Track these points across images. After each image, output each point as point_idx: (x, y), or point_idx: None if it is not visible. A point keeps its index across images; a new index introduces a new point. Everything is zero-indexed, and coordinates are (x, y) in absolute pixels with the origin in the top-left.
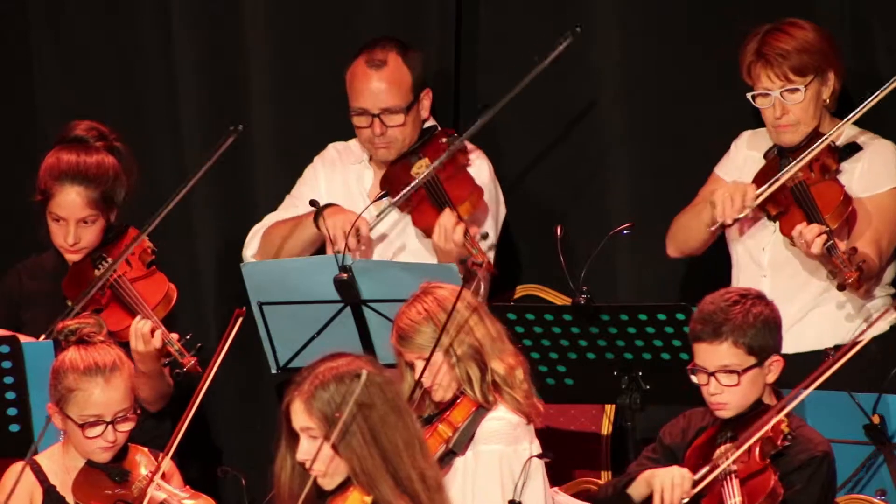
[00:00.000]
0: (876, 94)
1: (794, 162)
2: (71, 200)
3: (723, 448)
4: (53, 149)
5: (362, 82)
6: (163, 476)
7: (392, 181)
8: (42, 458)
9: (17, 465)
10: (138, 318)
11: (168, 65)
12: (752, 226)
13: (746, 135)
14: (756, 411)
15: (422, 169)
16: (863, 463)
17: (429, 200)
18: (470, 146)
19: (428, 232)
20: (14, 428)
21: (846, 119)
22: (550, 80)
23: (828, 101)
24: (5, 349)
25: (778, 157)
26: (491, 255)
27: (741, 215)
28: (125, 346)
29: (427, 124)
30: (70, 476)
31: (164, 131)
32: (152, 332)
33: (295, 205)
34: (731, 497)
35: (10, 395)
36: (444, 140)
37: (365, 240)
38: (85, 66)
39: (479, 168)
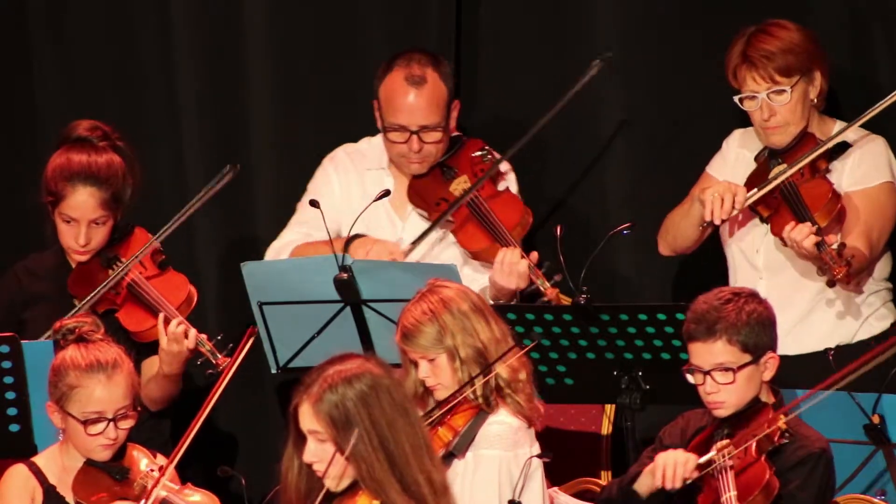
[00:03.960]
0: (882, 103)
1: (787, 169)
2: (83, 201)
3: (719, 444)
4: (60, 149)
5: (401, 99)
6: (160, 472)
7: (423, 195)
8: (39, 459)
9: (16, 467)
10: (173, 321)
11: (168, 65)
12: (744, 227)
13: (738, 133)
14: (753, 409)
15: (461, 186)
16: (863, 463)
17: (475, 221)
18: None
19: (478, 256)
20: (14, 428)
21: (845, 126)
22: (550, 81)
23: (815, 100)
24: (5, 349)
25: (768, 159)
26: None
27: (729, 216)
28: (145, 346)
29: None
30: (69, 476)
31: (164, 131)
32: (186, 333)
33: (304, 220)
34: (727, 491)
35: (10, 395)
36: (478, 154)
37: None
38: (85, 66)
39: (511, 183)
